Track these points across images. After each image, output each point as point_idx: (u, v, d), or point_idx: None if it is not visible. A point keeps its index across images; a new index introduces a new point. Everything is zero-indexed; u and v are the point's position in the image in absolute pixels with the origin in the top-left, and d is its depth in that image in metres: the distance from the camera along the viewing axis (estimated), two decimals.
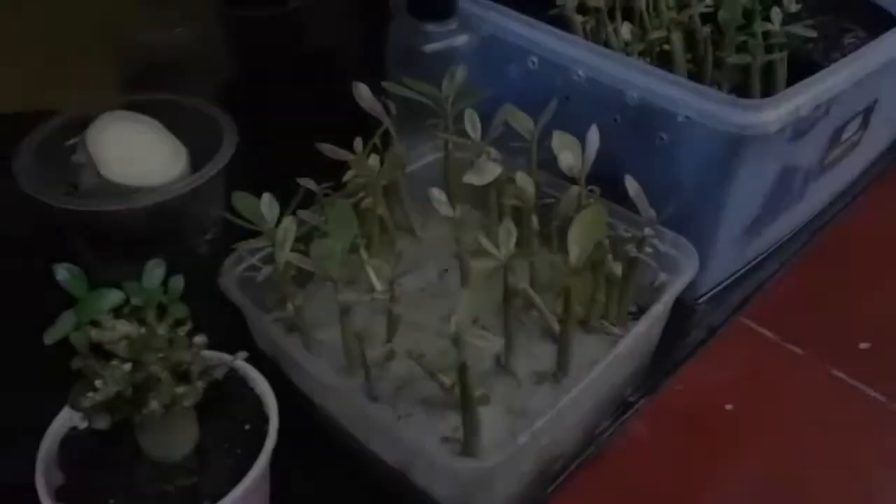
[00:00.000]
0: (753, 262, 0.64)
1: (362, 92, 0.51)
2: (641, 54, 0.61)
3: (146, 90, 0.59)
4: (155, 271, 0.35)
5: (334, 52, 0.85)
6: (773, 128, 0.48)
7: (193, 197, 0.49)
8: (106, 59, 0.77)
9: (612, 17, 0.61)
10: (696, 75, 0.61)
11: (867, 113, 0.65)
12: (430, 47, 0.56)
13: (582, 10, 0.61)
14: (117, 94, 0.66)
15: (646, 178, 0.57)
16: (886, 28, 0.72)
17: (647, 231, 0.46)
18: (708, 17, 0.63)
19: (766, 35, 0.57)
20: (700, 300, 0.60)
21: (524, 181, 0.49)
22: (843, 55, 0.69)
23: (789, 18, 0.61)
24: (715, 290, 0.61)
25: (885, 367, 0.56)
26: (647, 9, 0.60)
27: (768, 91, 0.59)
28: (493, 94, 0.65)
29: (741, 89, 0.59)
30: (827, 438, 0.52)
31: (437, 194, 0.47)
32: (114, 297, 0.33)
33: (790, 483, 0.49)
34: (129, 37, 0.78)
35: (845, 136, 0.63)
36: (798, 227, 0.68)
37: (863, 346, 0.58)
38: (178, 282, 0.35)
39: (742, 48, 0.58)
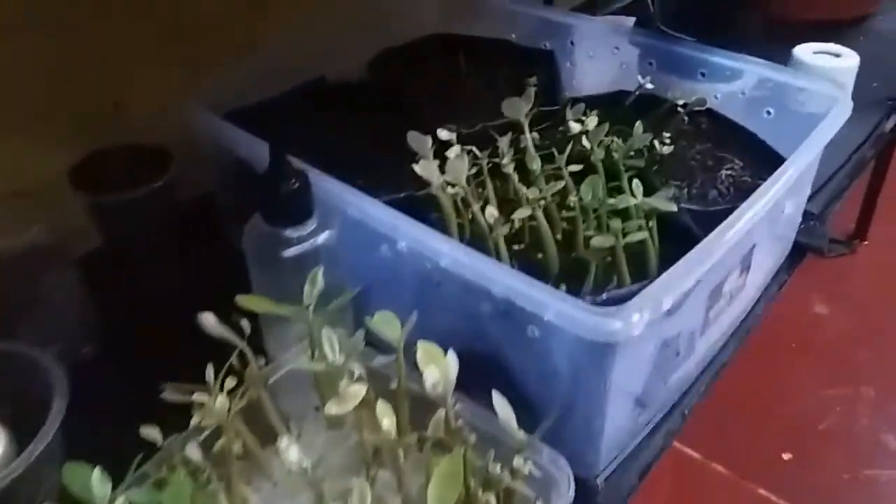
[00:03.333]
0: (652, 423, 0.62)
1: (208, 322, 0.48)
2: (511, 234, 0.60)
3: None
4: None
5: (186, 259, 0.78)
6: (636, 331, 0.47)
7: (16, 484, 0.45)
8: None
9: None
10: (566, 251, 0.59)
11: (747, 258, 0.65)
12: (290, 252, 0.54)
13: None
14: None
15: (523, 367, 0.55)
16: (763, 159, 0.73)
17: (517, 462, 0.44)
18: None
19: (629, 211, 0.57)
20: (599, 477, 0.58)
21: (384, 411, 0.46)
22: (720, 195, 0.70)
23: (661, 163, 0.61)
24: (615, 463, 0.59)
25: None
26: (513, 189, 0.59)
27: (641, 267, 0.58)
28: (366, 277, 0.64)
29: (610, 269, 0.57)
30: None
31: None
32: None
33: None
34: None
35: (727, 287, 0.63)
36: (697, 373, 0.67)
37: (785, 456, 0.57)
38: None
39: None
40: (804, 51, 1.04)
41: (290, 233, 0.54)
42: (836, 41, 1.12)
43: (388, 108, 0.81)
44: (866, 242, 1.20)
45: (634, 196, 0.57)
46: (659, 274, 0.59)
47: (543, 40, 0.90)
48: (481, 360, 0.57)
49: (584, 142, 0.72)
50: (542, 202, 0.58)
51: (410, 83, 0.86)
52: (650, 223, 0.58)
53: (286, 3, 0.92)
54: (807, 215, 0.81)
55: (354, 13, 0.91)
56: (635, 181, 0.58)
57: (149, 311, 0.71)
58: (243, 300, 0.50)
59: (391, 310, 0.64)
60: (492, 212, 0.56)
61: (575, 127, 0.73)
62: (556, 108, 0.81)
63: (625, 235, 0.54)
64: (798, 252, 0.80)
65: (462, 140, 0.78)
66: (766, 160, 0.72)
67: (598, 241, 0.54)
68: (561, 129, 0.76)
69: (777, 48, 1.08)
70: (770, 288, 0.75)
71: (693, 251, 0.52)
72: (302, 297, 0.49)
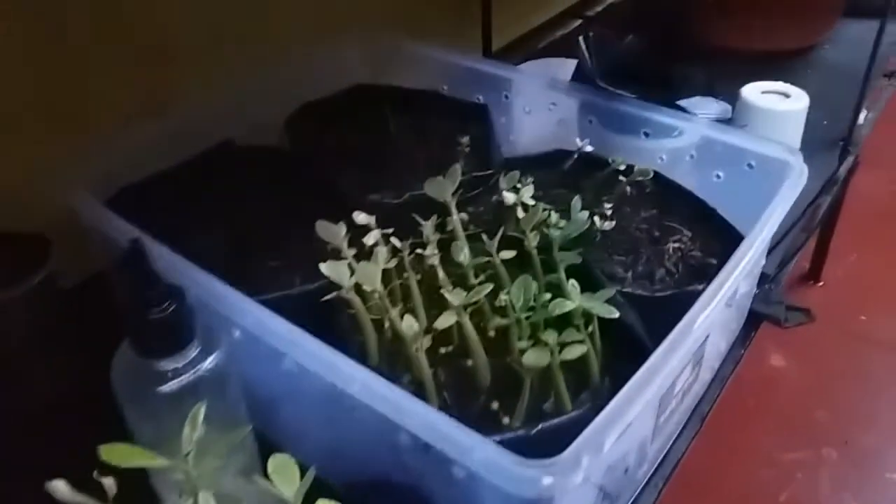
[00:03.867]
0: None
1: (59, 490, 0.39)
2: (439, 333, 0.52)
3: None
4: None
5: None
6: (574, 482, 0.40)
7: None
8: None
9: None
10: (502, 353, 0.52)
11: (699, 352, 0.58)
12: (167, 388, 0.45)
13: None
14: None
15: None
16: (714, 229, 0.67)
17: None
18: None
19: (567, 317, 0.50)
20: None
21: None
22: (668, 274, 0.63)
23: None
24: None
25: None
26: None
27: (582, 374, 0.51)
28: (270, 392, 0.56)
29: (548, 381, 0.50)
30: None
31: None
32: None
33: None
34: None
35: (678, 388, 0.56)
36: (651, 470, 0.60)
37: None
38: None
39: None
40: (752, 91, 0.99)
41: (165, 364, 0.45)
42: (784, 75, 1.08)
43: (306, 174, 0.73)
44: (821, 283, 1.16)
45: (572, 299, 0.49)
46: (602, 380, 0.52)
47: (476, 93, 0.83)
48: (401, 495, 0.50)
49: (520, 213, 0.65)
50: (468, 308, 0.50)
51: (331, 144, 0.78)
52: (590, 327, 0.51)
53: (190, 57, 0.83)
54: (761, 278, 0.76)
55: (269, 66, 0.82)
56: (571, 281, 0.51)
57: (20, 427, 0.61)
58: (108, 452, 0.41)
59: (299, 430, 0.57)
60: (410, 323, 0.48)
61: (509, 198, 0.66)
62: (490, 172, 0.74)
63: (562, 349, 0.47)
64: (753, 320, 0.74)
65: (388, 213, 0.71)
66: (716, 231, 0.66)
67: (532, 358, 0.46)
68: (495, 197, 0.70)
69: (724, 84, 1.03)
70: (725, 367, 0.69)
71: (640, 372, 0.45)
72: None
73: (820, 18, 1.27)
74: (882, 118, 1.15)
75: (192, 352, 0.46)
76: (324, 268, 0.51)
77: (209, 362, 0.47)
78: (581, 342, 0.47)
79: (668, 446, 0.62)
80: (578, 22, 1.44)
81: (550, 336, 0.47)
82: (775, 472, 0.88)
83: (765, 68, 1.16)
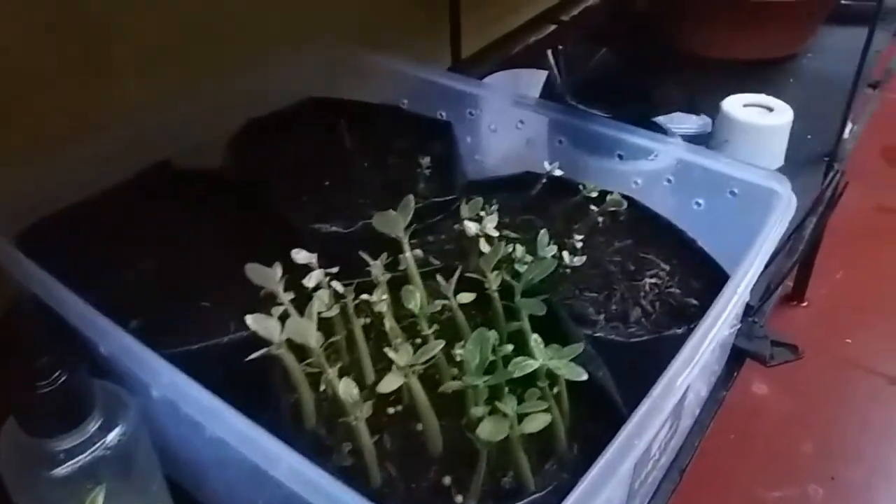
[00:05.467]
0: None
1: None
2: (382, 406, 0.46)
3: None
4: None
5: None
6: None
7: None
8: None
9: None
10: (457, 415, 0.46)
11: (678, 406, 0.52)
12: (59, 472, 0.39)
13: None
14: None
15: None
16: (694, 263, 0.61)
17: None
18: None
19: (531, 376, 0.43)
20: None
21: None
22: (644, 315, 0.58)
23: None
24: None
25: None
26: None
27: (546, 442, 0.45)
28: (190, 460, 0.49)
29: (506, 454, 0.44)
30: None
31: None
32: None
33: None
34: None
35: (655, 448, 0.50)
36: None
37: None
38: None
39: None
40: (733, 105, 0.94)
41: (57, 444, 0.38)
42: (766, 85, 1.03)
43: (248, 200, 0.66)
44: (805, 304, 1.11)
45: (536, 357, 0.43)
46: (570, 447, 0.47)
47: (439, 109, 0.76)
48: None
49: (483, 245, 0.59)
50: (416, 369, 0.44)
51: (277, 165, 0.71)
52: (556, 388, 0.45)
53: (126, 70, 0.76)
54: (745, 310, 0.70)
55: (215, 78, 0.76)
56: (535, 337, 0.44)
57: None
58: None
59: (229, 496, 0.50)
60: (349, 389, 0.42)
61: (471, 228, 0.60)
62: (453, 197, 0.67)
63: (523, 419, 0.41)
64: (737, 358, 0.69)
65: (338, 245, 0.65)
66: (697, 265, 0.61)
67: (488, 430, 0.40)
68: (457, 225, 0.63)
69: (704, 96, 0.98)
70: (706, 413, 0.63)
71: (615, 446, 0.40)
72: None
73: (802, 26, 1.22)
74: (867, 129, 1.11)
75: (91, 427, 0.40)
76: (250, 321, 0.44)
77: (112, 438, 0.40)
78: (546, 410, 0.41)
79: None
80: (553, 27, 1.39)
81: (509, 404, 0.41)
82: None
83: (746, 78, 1.12)
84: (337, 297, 0.50)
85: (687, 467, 0.61)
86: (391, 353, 0.43)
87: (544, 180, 0.67)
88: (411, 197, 0.54)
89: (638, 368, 0.48)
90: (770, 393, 0.96)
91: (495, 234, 0.60)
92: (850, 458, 0.89)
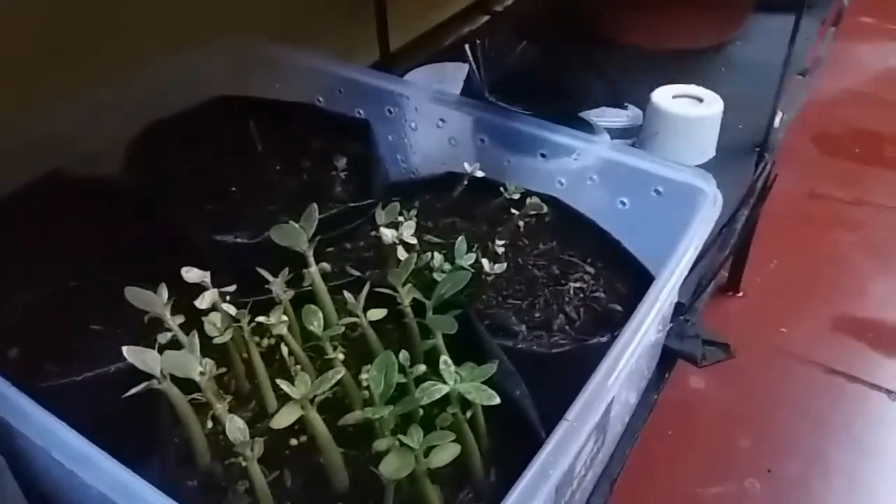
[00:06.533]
0: None
1: None
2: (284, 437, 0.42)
3: None
4: None
5: None
6: None
7: None
8: None
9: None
10: (365, 440, 0.43)
11: (603, 419, 0.50)
12: None
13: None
14: None
15: None
16: (619, 264, 0.59)
17: None
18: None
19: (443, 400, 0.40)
20: None
21: None
22: (568, 322, 0.55)
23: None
24: None
25: None
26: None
27: (461, 466, 0.41)
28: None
29: (415, 487, 0.41)
30: None
31: None
32: None
33: None
34: None
35: (579, 467, 0.48)
36: None
37: None
38: None
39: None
40: (663, 96, 0.92)
41: None
42: (696, 75, 1.01)
43: (146, 210, 0.61)
44: (741, 294, 1.10)
45: (446, 381, 0.40)
46: (486, 473, 0.43)
47: (357, 106, 0.72)
48: None
49: (401, 252, 0.56)
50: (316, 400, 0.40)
51: (180, 171, 0.66)
52: (469, 412, 0.42)
53: (15, 69, 0.70)
54: (675, 308, 0.68)
55: (115, 78, 0.70)
56: (443, 359, 0.41)
57: None
58: None
59: None
60: (238, 427, 0.38)
61: (387, 235, 0.56)
62: (372, 202, 0.63)
63: (430, 451, 0.38)
64: (668, 360, 0.67)
65: (243, 257, 0.60)
66: (622, 267, 0.59)
67: (392, 467, 0.37)
68: (373, 233, 0.60)
69: (633, 87, 0.96)
70: (636, 419, 0.61)
71: (532, 471, 0.37)
72: None
73: (731, 14, 1.21)
74: (798, 117, 1.10)
75: None
76: (127, 353, 0.40)
77: None
78: (456, 440, 0.38)
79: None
80: (486, 18, 1.35)
81: (415, 436, 0.37)
82: None
83: (676, 68, 1.10)
84: (232, 319, 0.46)
85: (618, 477, 0.58)
86: (284, 386, 0.39)
87: (466, 182, 0.64)
88: (314, 206, 0.50)
89: (560, 380, 0.45)
90: (707, 387, 0.96)
91: (413, 241, 0.57)
92: (786, 451, 0.88)
